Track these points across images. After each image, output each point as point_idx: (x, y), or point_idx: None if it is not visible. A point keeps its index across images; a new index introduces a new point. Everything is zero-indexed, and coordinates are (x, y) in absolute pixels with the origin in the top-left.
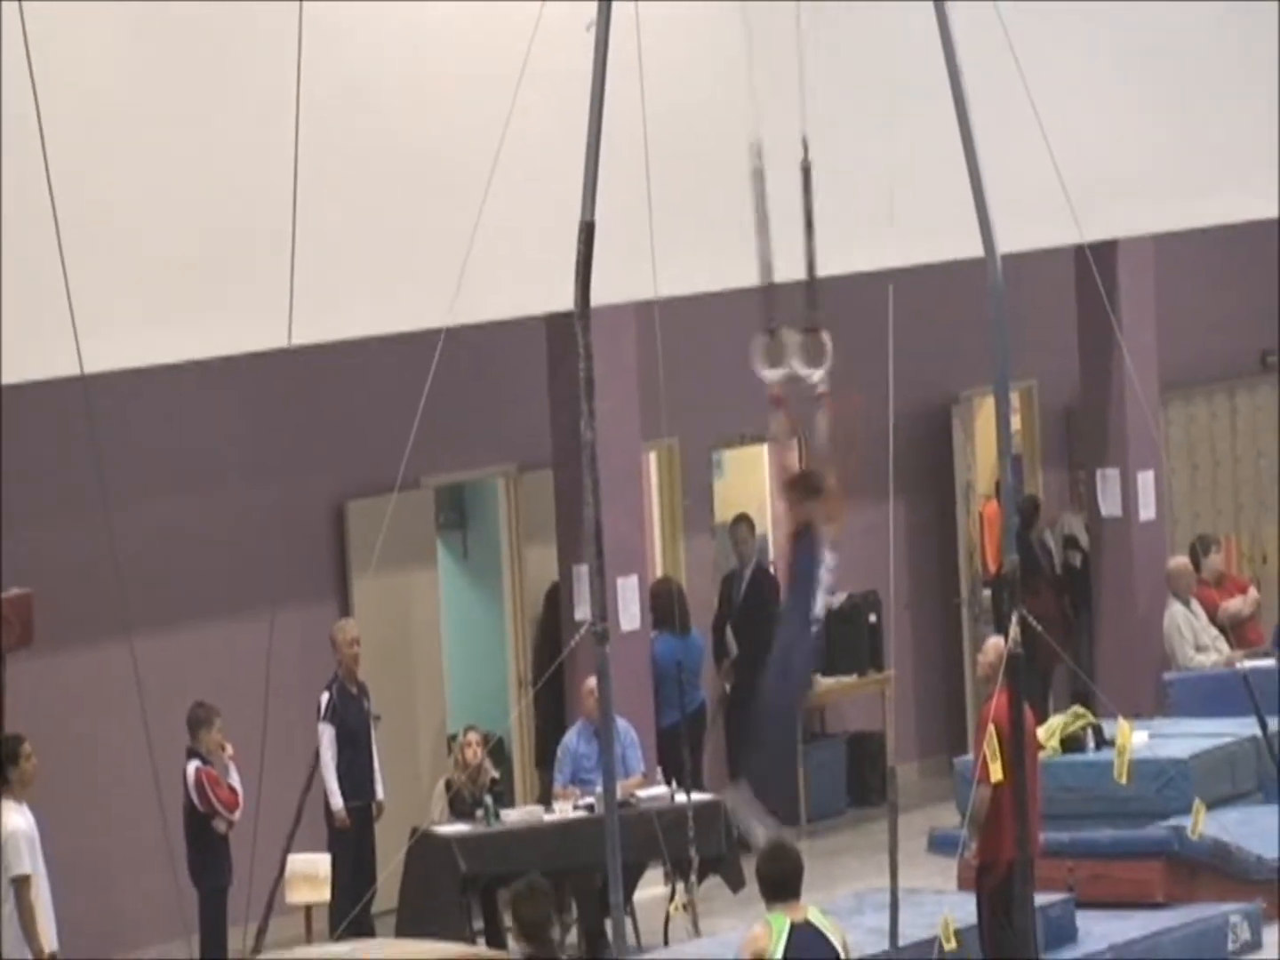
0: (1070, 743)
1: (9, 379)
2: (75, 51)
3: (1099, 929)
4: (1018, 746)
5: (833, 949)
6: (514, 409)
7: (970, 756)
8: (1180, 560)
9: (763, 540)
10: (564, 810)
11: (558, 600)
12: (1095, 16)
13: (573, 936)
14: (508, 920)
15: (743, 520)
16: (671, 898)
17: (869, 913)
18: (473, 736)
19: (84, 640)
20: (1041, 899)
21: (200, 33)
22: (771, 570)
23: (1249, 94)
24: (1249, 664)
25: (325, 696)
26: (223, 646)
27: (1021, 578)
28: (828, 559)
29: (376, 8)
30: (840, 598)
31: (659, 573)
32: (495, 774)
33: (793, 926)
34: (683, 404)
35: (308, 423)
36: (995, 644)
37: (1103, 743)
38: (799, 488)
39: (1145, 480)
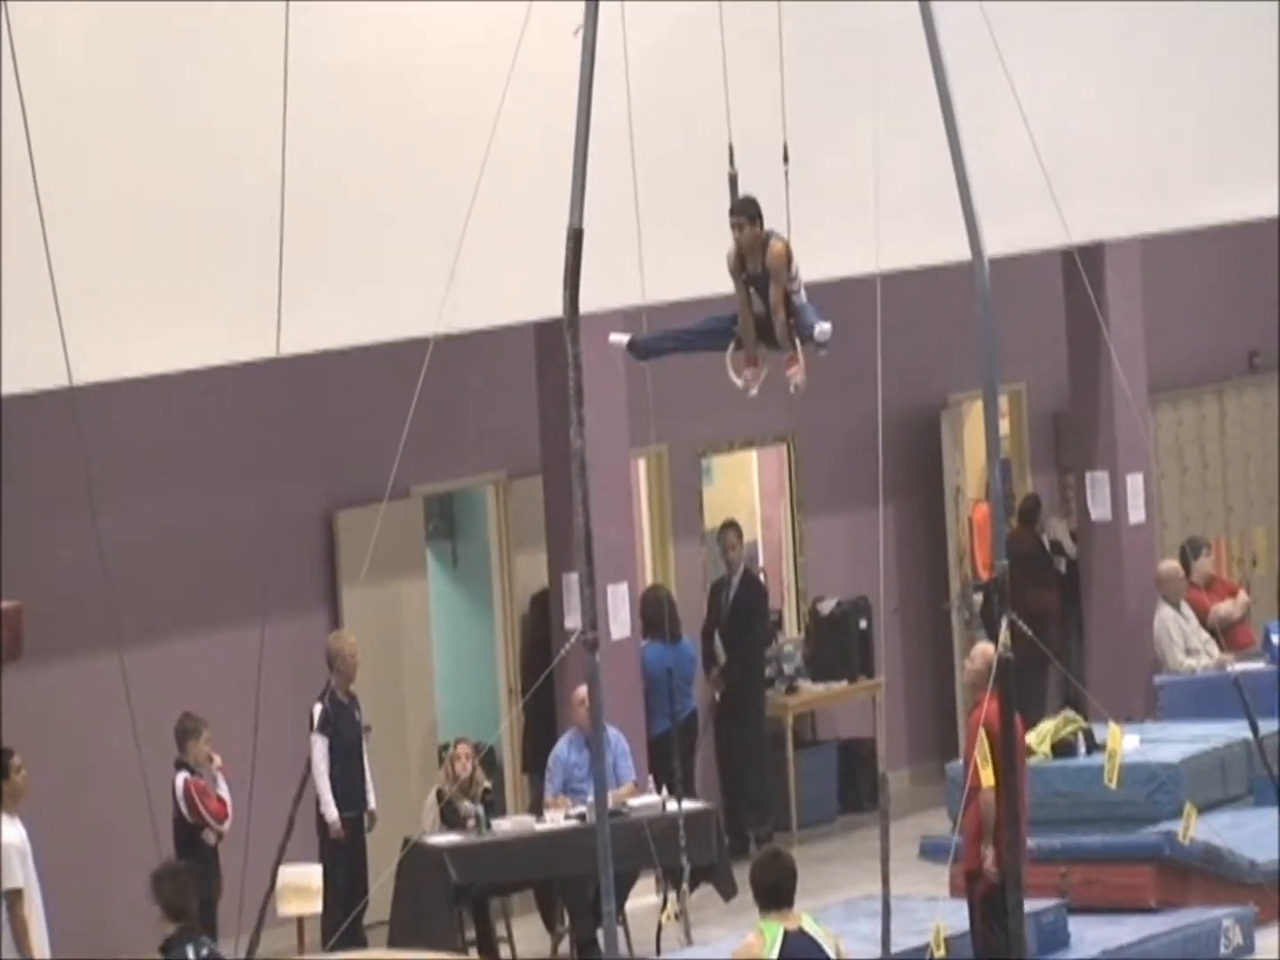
0: (1061, 747)
1: None
2: (57, 62)
3: (1091, 934)
4: (1009, 752)
5: (827, 956)
6: (503, 417)
7: (961, 763)
8: (1170, 564)
9: (752, 547)
10: (555, 820)
11: (544, 606)
12: (1082, 19)
13: (564, 946)
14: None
15: (730, 527)
16: (663, 906)
17: (860, 920)
18: (462, 749)
19: (74, 652)
20: (1033, 905)
21: (186, 39)
22: (761, 577)
23: (1236, 95)
24: (1239, 667)
25: (318, 708)
26: (212, 656)
27: (1027, 573)
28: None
29: (361, 10)
30: (830, 603)
31: (649, 580)
32: (487, 784)
33: (786, 934)
34: (671, 411)
35: (297, 432)
36: (982, 651)
37: (1093, 747)
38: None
39: (1134, 483)
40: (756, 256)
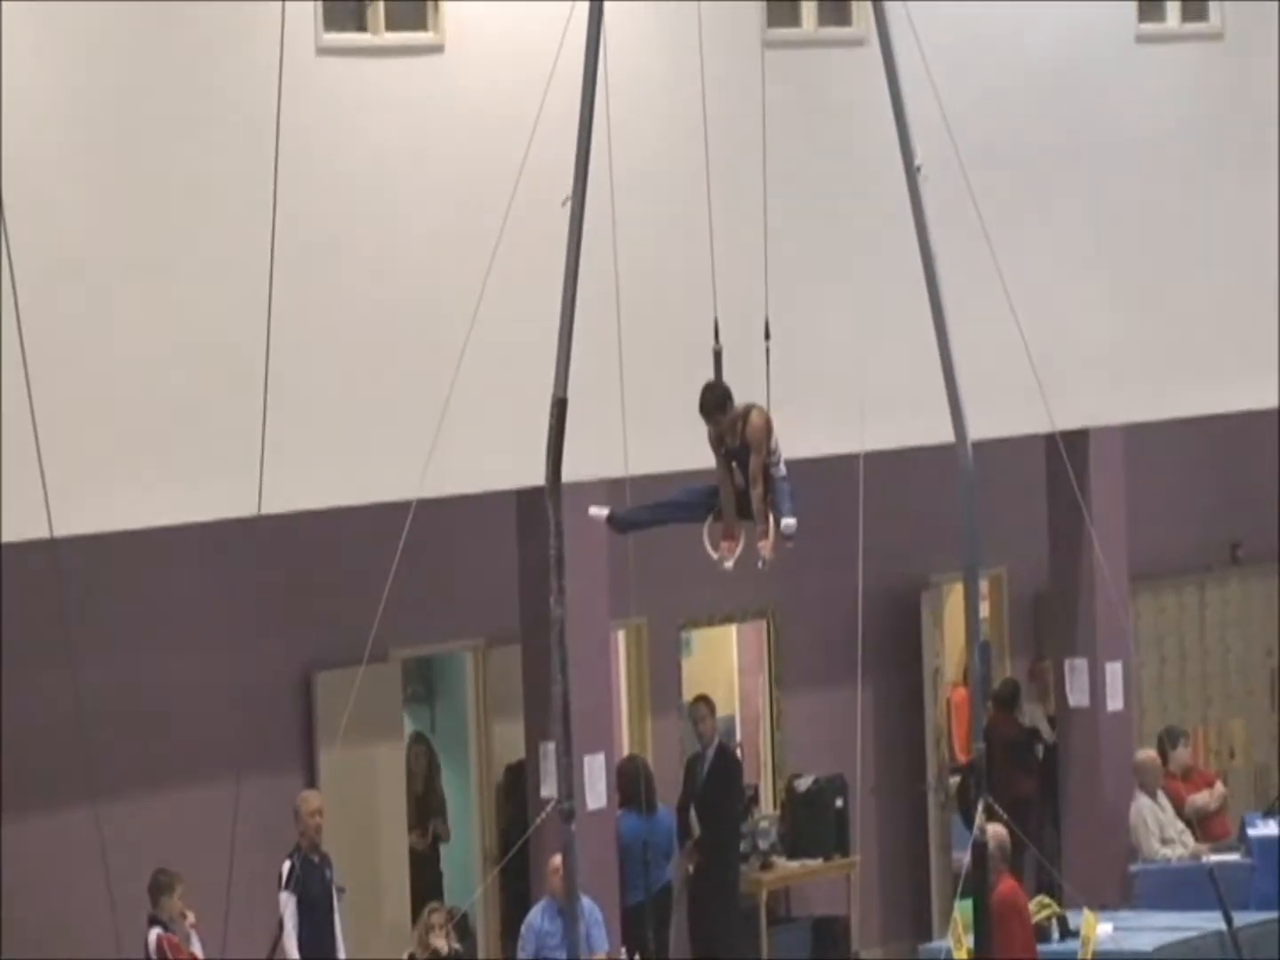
0: (1035, 932)
1: None
2: (47, 215)
3: None
4: (983, 936)
5: None
6: (483, 583)
7: (936, 943)
8: (1148, 752)
9: (729, 721)
10: None
11: (520, 776)
12: (1068, 212)
13: None
14: None
15: (701, 700)
16: None
17: None
18: (435, 919)
19: (49, 805)
20: None
21: (174, 209)
22: (737, 751)
23: (1222, 288)
24: (1215, 858)
25: (287, 865)
26: (188, 813)
27: (1006, 758)
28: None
29: (346, 180)
30: (807, 780)
31: (626, 751)
32: (459, 947)
33: None
34: (652, 583)
35: (277, 592)
36: (994, 832)
37: (1067, 933)
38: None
39: (1114, 671)
40: (736, 432)
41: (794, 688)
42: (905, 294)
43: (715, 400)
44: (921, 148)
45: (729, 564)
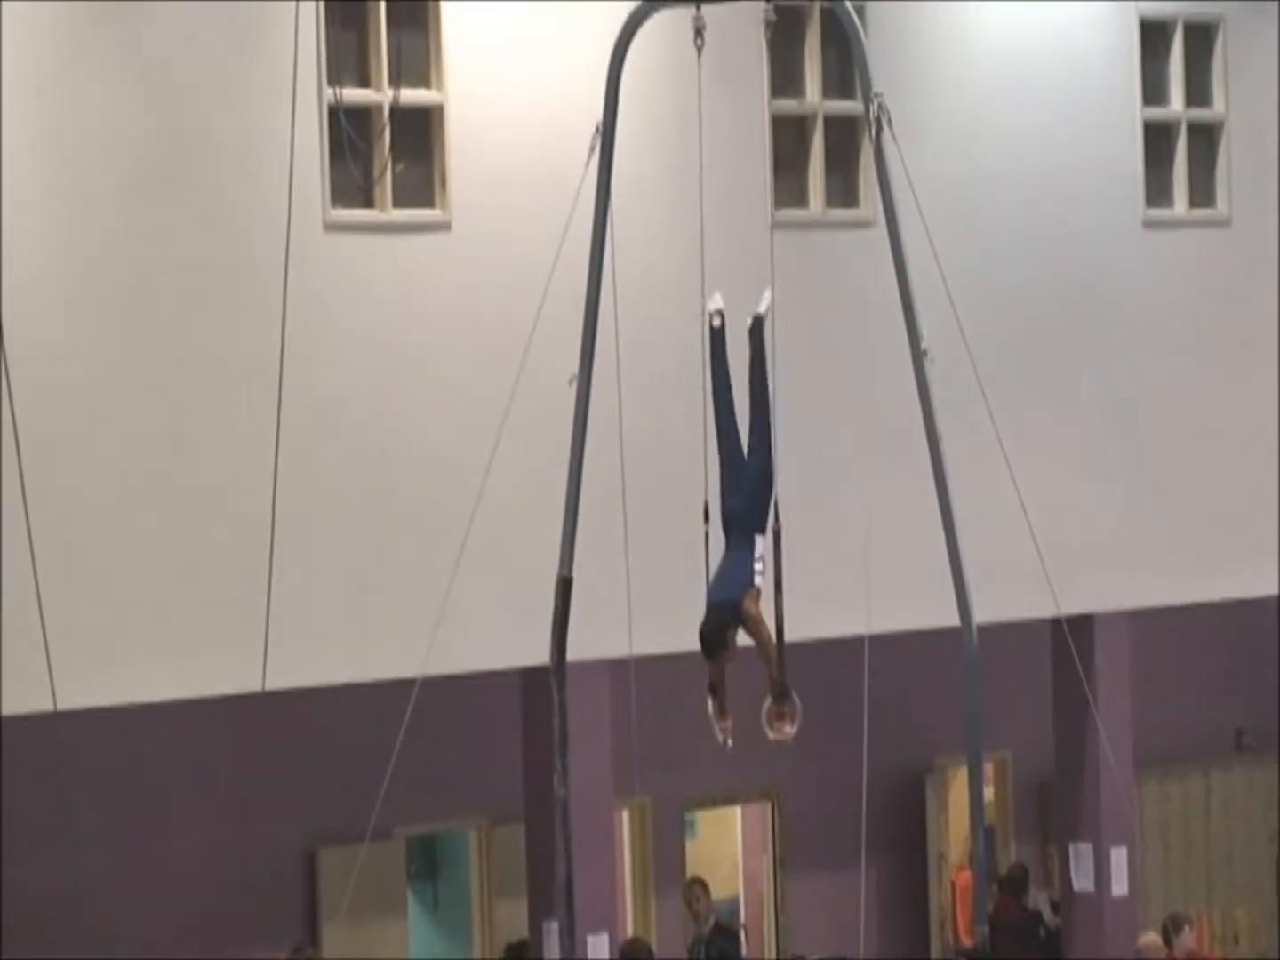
0: None
1: None
2: (52, 387)
3: None
4: None
5: None
6: (487, 761)
7: None
8: (1151, 937)
9: (734, 902)
10: None
11: (519, 954)
12: (1078, 394)
13: None
14: None
15: (696, 882)
16: None
17: None
18: None
19: None
20: None
21: (180, 370)
22: (741, 933)
23: (1229, 475)
24: None
25: None
26: None
27: (1013, 943)
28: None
29: (350, 348)
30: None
31: (630, 931)
32: None
33: None
34: (656, 763)
35: (281, 768)
36: None
37: None
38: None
39: (1119, 856)
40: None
41: (798, 869)
42: (912, 476)
43: (715, 640)
44: (929, 332)
45: (730, 741)
